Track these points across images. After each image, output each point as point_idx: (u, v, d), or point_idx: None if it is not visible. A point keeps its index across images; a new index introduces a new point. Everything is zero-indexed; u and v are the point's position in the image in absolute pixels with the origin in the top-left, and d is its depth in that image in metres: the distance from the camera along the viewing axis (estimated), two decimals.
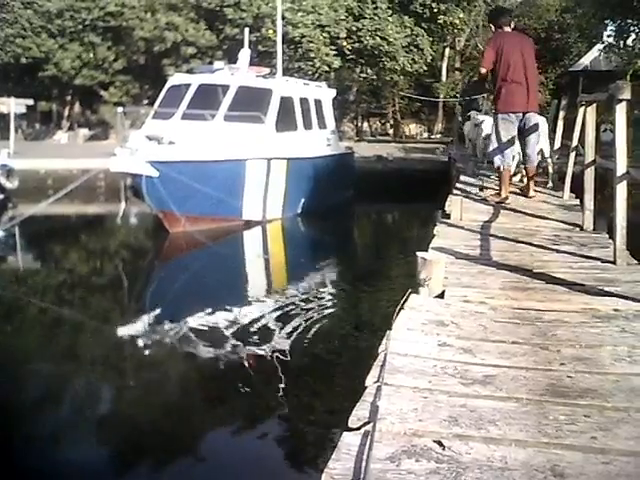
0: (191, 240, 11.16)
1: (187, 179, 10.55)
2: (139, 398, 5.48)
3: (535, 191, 8.34)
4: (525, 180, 8.73)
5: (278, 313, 7.67)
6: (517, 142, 8.08)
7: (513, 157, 8.33)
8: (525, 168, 8.43)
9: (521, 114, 7.60)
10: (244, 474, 4.18)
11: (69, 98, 28.38)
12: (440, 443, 2.11)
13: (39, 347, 6.73)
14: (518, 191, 8.61)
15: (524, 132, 7.79)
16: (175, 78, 13.88)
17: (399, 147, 21.92)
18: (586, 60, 25.32)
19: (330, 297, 8.52)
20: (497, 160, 7.80)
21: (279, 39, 15.86)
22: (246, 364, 6.04)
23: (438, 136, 30.30)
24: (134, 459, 4.50)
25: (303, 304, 7.91)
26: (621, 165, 4.66)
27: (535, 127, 7.90)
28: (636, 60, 16.70)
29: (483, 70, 7.55)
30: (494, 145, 7.82)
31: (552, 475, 1.95)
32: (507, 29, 7.67)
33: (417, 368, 2.72)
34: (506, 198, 7.90)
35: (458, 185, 9.08)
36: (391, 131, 34.06)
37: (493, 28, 7.85)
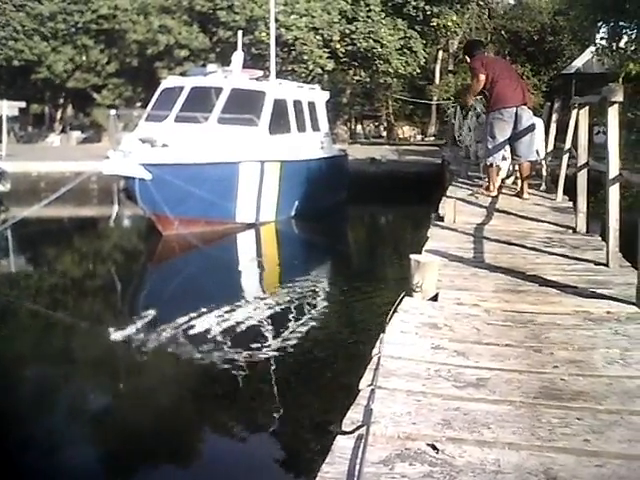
0: (184, 243, 11.15)
1: (180, 182, 10.53)
2: (133, 401, 5.46)
3: (529, 193, 8.39)
4: (519, 182, 8.77)
5: (271, 316, 7.67)
6: (508, 144, 8.17)
7: (505, 158, 8.41)
8: (519, 167, 8.48)
9: (514, 109, 7.75)
10: (238, 477, 4.17)
11: (62, 101, 28.31)
12: (434, 446, 2.11)
13: (31, 350, 6.69)
14: (512, 193, 8.65)
15: (518, 131, 7.89)
16: (168, 81, 13.87)
17: (392, 149, 21.93)
18: (579, 62, 25.38)
19: (323, 300, 8.51)
20: (488, 158, 8.01)
21: (272, 42, 15.85)
22: (239, 367, 6.02)
23: (431, 139, 30.33)
24: (129, 463, 4.47)
25: (296, 307, 7.90)
26: (613, 167, 4.67)
27: (531, 128, 8.00)
28: (628, 62, 16.74)
29: (482, 77, 7.84)
30: (487, 143, 8.02)
31: (545, 478, 1.95)
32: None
33: (411, 371, 2.72)
34: (496, 196, 8.03)
35: (452, 187, 9.09)
36: (385, 133, 34.06)
37: (468, 59, 8.40)
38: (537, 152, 9.00)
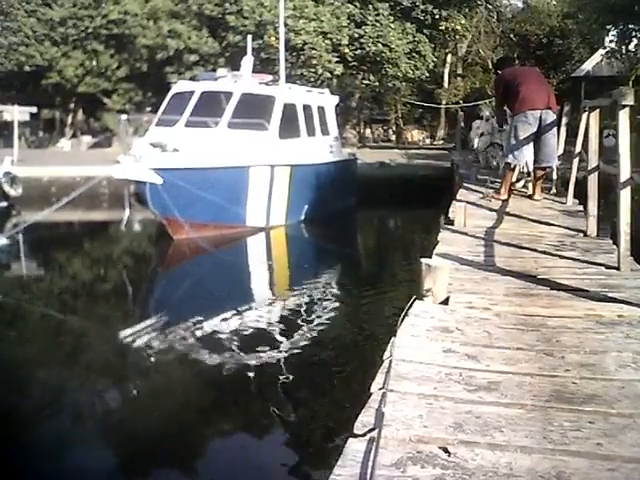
0: (195, 247, 11.18)
1: (191, 186, 10.57)
2: (144, 404, 5.48)
3: (540, 195, 8.40)
4: (529, 186, 8.76)
5: (282, 319, 7.69)
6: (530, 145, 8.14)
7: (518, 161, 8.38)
8: (534, 170, 8.46)
9: (539, 113, 7.74)
10: None
11: (72, 106, 28.48)
12: (446, 449, 2.11)
13: (43, 354, 6.73)
14: (523, 194, 8.66)
15: (542, 135, 7.88)
16: (178, 85, 13.91)
17: (402, 153, 21.92)
18: (588, 66, 25.33)
19: (334, 303, 8.52)
20: (510, 157, 7.97)
21: (282, 46, 15.89)
22: (251, 370, 6.03)
23: (440, 142, 30.34)
24: (139, 466, 4.49)
25: (307, 310, 7.92)
26: (625, 171, 4.66)
27: (552, 124, 7.97)
28: (638, 65, 16.71)
29: (498, 90, 8.67)
30: (511, 143, 7.97)
31: None
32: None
33: (422, 374, 2.73)
34: (506, 199, 8.01)
35: (461, 191, 9.08)
36: (393, 137, 34.11)
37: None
38: None
